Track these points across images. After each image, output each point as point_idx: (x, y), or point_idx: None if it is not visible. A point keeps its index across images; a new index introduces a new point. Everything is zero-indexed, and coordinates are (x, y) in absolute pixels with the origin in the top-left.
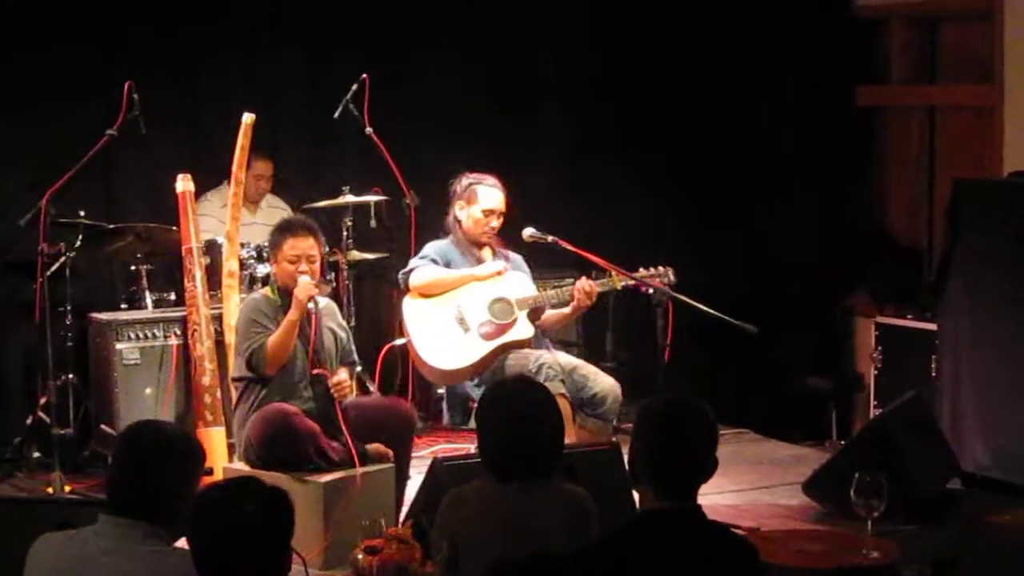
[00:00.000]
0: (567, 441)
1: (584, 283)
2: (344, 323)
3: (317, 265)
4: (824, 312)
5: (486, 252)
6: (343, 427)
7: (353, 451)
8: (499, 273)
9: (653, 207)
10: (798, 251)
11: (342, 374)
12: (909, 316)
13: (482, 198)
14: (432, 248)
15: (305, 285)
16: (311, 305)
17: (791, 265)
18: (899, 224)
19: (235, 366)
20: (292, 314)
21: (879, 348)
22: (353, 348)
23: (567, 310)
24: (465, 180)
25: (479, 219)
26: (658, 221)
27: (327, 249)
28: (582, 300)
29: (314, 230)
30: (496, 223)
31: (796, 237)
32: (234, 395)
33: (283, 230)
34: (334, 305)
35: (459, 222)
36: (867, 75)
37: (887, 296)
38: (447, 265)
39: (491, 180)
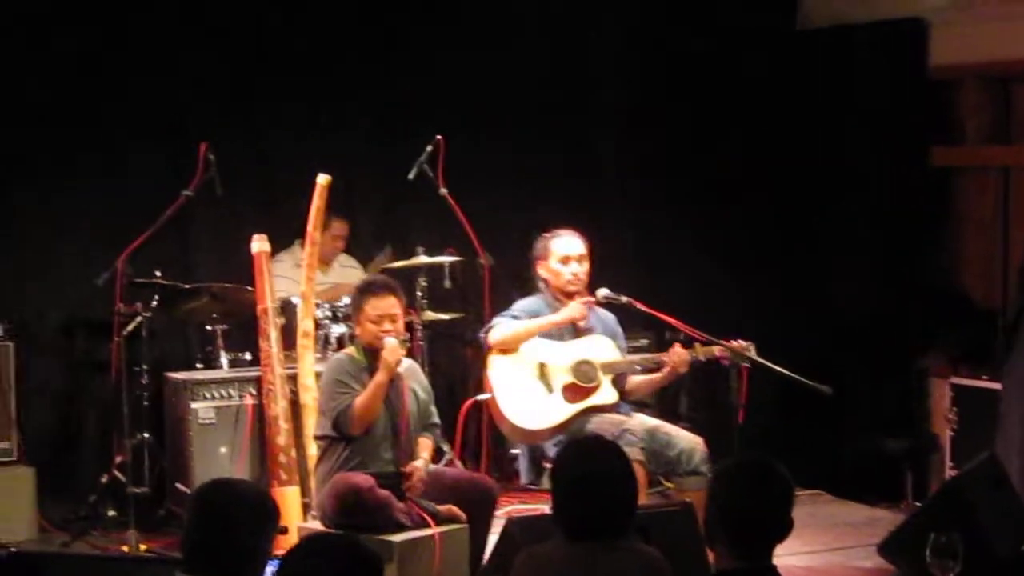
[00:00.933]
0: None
1: (680, 351)
2: (427, 384)
3: (401, 324)
4: (899, 373)
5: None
6: (419, 512)
7: (425, 516)
8: (580, 318)
9: (725, 269)
10: (872, 311)
11: (418, 462)
12: (984, 376)
13: (556, 248)
14: (520, 304)
15: (393, 348)
16: (398, 367)
17: (865, 326)
18: (973, 284)
19: (318, 424)
20: (380, 376)
21: (954, 408)
22: (434, 410)
23: (658, 376)
24: (541, 238)
25: (558, 270)
26: (730, 283)
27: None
28: (678, 366)
29: (395, 289)
30: (579, 268)
31: (870, 297)
32: (315, 453)
33: (363, 291)
34: (416, 366)
35: (544, 281)
36: (942, 136)
37: (962, 356)
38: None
39: (566, 231)
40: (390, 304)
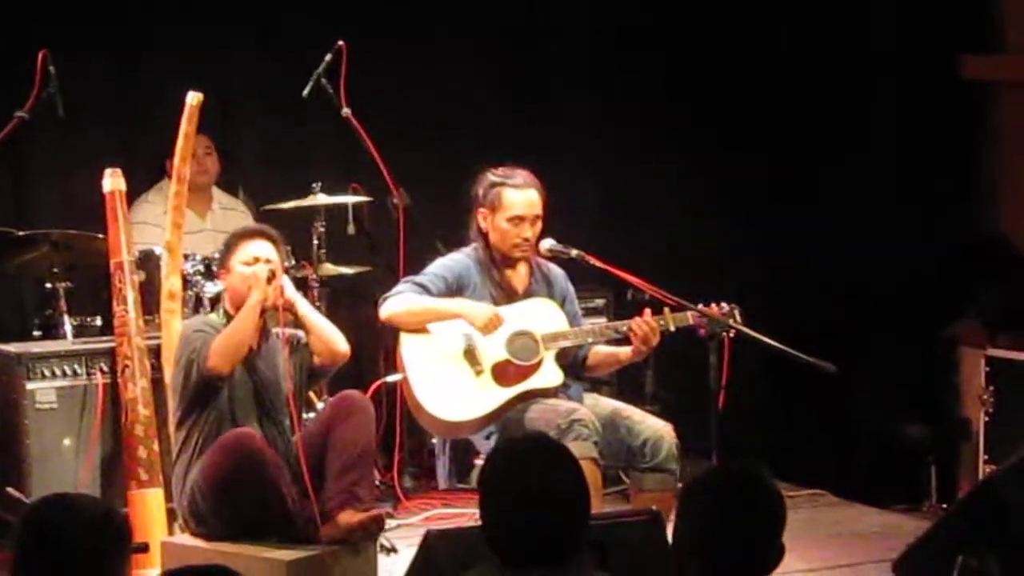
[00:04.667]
0: (595, 511)
1: (647, 320)
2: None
3: (279, 273)
4: (921, 343)
5: (519, 271)
6: (304, 471)
7: (314, 509)
8: (493, 323)
9: (707, 216)
10: (888, 268)
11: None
12: None
13: (509, 202)
14: (438, 265)
15: (263, 269)
16: (273, 290)
17: (880, 286)
18: (1018, 230)
19: (174, 407)
20: (252, 296)
21: (990, 388)
22: None
23: (623, 351)
24: (487, 179)
25: (507, 230)
26: (713, 234)
27: (293, 262)
28: (647, 338)
29: (274, 237)
30: (530, 232)
31: (885, 249)
32: (174, 449)
33: (236, 236)
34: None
35: (484, 235)
36: (976, 43)
37: (1001, 323)
38: (458, 290)
39: (520, 177)
40: (267, 248)
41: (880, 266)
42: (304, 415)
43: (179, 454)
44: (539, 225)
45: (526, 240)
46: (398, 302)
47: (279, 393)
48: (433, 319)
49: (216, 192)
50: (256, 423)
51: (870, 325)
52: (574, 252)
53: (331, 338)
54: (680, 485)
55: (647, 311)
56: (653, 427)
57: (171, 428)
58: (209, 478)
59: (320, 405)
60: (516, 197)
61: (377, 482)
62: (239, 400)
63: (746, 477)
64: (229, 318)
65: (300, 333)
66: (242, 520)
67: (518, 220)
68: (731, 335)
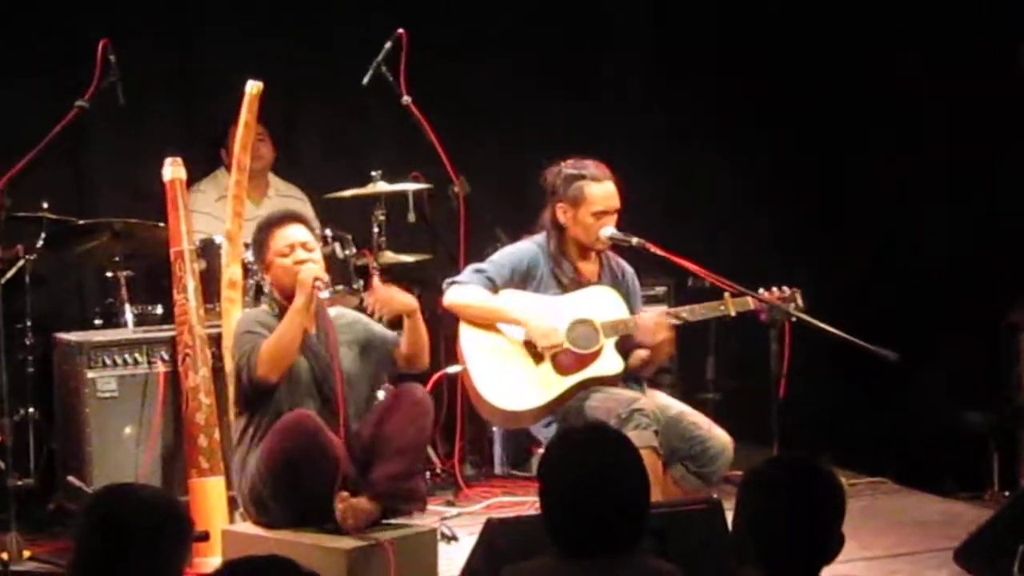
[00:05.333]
0: (655, 500)
1: (656, 317)
2: (379, 330)
3: (318, 254)
4: (983, 330)
5: (591, 263)
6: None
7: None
8: (553, 347)
9: (766, 203)
10: (948, 253)
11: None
12: None
13: (593, 197)
14: (503, 257)
15: (309, 268)
16: (320, 290)
17: (940, 271)
18: None
19: (233, 396)
20: (297, 300)
21: None
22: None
23: (643, 354)
24: (565, 172)
25: (591, 224)
26: (772, 221)
27: (353, 251)
28: (657, 339)
29: (300, 217)
30: (612, 224)
31: (944, 235)
32: (235, 437)
33: (262, 228)
34: (362, 317)
35: (559, 228)
36: None
37: None
38: (526, 279)
39: (597, 169)
40: (299, 231)
41: (941, 252)
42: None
43: (239, 442)
44: (617, 218)
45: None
46: (464, 293)
47: (334, 377)
48: (495, 319)
49: (272, 178)
50: (314, 407)
51: (931, 311)
52: (634, 240)
53: (422, 349)
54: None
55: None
56: (718, 438)
57: (231, 416)
58: (269, 462)
59: (381, 394)
60: (599, 191)
61: (438, 470)
62: (297, 385)
63: (804, 468)
64: (280, 308)
65: (361, 316)
66: (303, 502)
67: (602, 213)
68: (792, 321)
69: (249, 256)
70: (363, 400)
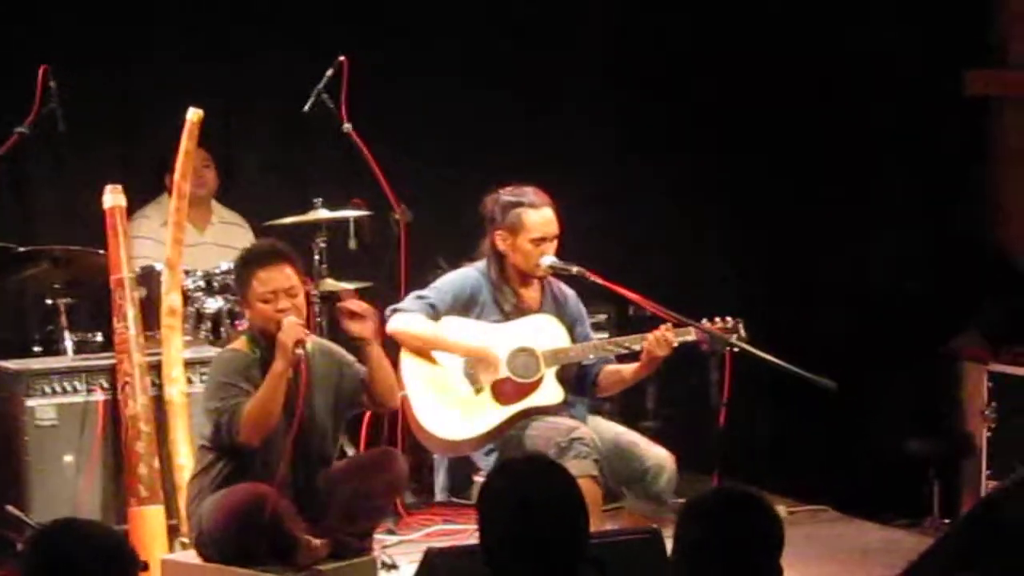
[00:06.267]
0: (595, 529)
1: (664, 332)
2: (351, 364)
3: (300, 299)
4: (924, 357)
5: (532, 290)
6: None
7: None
8: (495, 377)
9: (710, 230)
10: (889, 279)
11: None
12: None
13: (531, 224)
14: (445, 285)
15: (291, 327)
16: (300, 351)
17: (882, 299)
18: (1020, 243)
19: (202, 430)
20: (277, 365)
21: (993, 403)
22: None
23: (629, 368)
24: (503, 199)
25: (530, 251)
26: (716, 248)
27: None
28: (653, 350)
29: (287, 256)
30: (551, 251)
31: (888, 263)
32: (184, 463)
33: (247, 263)
34: (334, 348)
35: (499, 255)
36: (979, 57)
37: (1004, 337)
38: (468, 307)
39: (534, 195)
40: (283, 276)
41: (882, 280)
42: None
43: (199, 473)
44: (556, 243)
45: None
46: (408, 321)
47: (313, 425)
48: (437, 348)
49: (215, 206)
50: (285, 454)
51: (873, 339)
52: (575, 269)
53: (389, 389)
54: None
55: (663, 326)
56: (656, 456)
57: (196, 443)
58: (221, 530)
59: (351, 451)
60: (537, 218)
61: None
62: (272, 432)
63: (741, 499)
64: (258, 347)
65: (336, 348)
66: (249, 561)
67: (540, 240)
68: (734, 351)
69: (189, 283)
70: (332, 442)
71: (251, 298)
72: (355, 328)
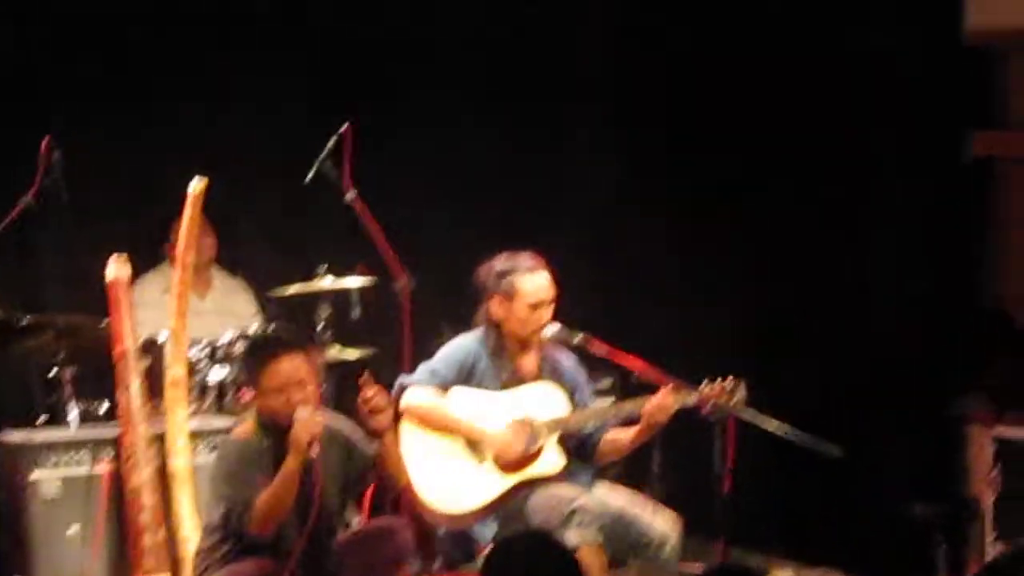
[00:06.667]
0: None
1: (664, 397)
2: (361, 444)
3: (312, 389)
4: (929, 421)
5: (530, 358)
6: None
7: None
8: (508, 459)
9: (713, 292)
10: (896, 343)
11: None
12: None
13: (527, 289)
14: (449, 355)
15: (305, 423)
16: (314, 451)
17: (886, 361)
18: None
19: (210, 510)
20: (291, 462)
21: (999, 466)
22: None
23: (626, 435)
24: (498, 266)
25: (527, 317)
26: (720, 310)
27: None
28: (653, 415)
29: (298, 344)
30: (547, 315)
31: (894, 325)
32: (188, 535)
33: (256, 354)
34: (345, 425)
35: (495, 323)
36: (983, 118)
37: (1010, 400)
38: (468, 376)
39: (530, 261)
40: (295, 366)
41: (887, 342)
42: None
43: (205, 550)
44: (553, 307)
45: (543, 324)
46: (420, 397)
47: (322, 505)
48: (449, 427)
49: (216, 271)
50: (296, 532)
51: (878, 402)
52: (577, 338)
53: (399, 471)
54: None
55: (662, 390)
56: (658, 528)
57: (202, 518)
58: None
59: (356, 519)
60: (532, 283)
61: None
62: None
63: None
64: (268, 435)
65: (344, 423)
66: None
67: (536, 305)
68: (736, 417)
69: (193, 353)
70: (339, 517)
71: (262, 387)
72: (375, 423)
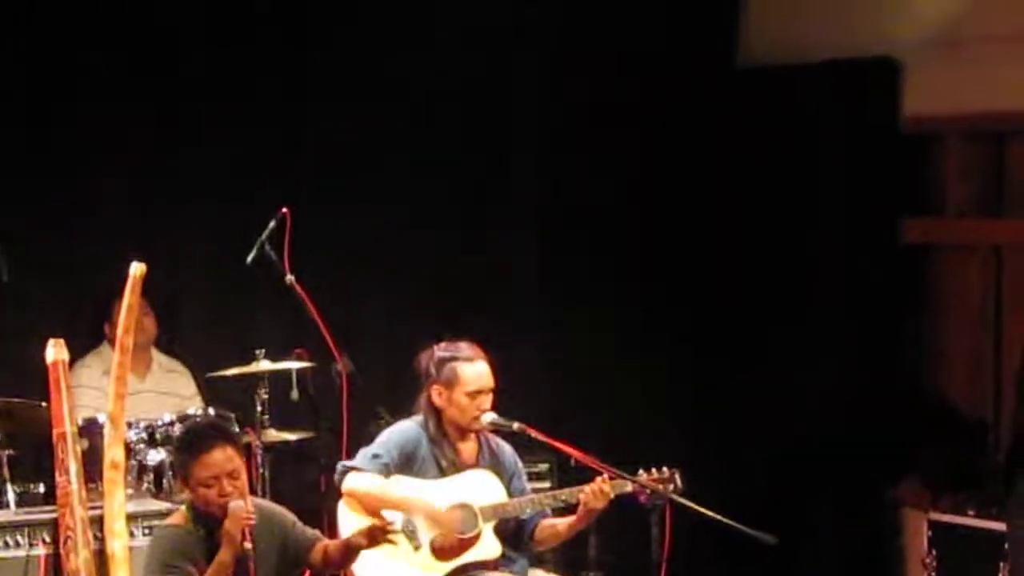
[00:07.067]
0: None
1: (600, 485)
2: (289, 527)
3: (243, 479)
4: (864, 506)
5: (469, 445)
6: None
7: None
8: (453, 535)
9: (647, 379)
10: (830, 428)
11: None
12: (970, 512)
13: (466, 378)
14: (391, 440)
15: (236, 514)
16: (247, 544)
17: (821, 447)
18: (958, 391)
19: None
20: (224, 554)
21: (933, 552)
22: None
23: (564, 522)
24: (438, 354)
25: (466, 405)
26: (655, 397)
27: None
28: (589, 502)
29: (226, 435)
30: (487, 403)
31: (828, 410)
32: None
33: (185, 449)
34: (275, 511)
35: (435, 409)
36: (918, 205)
37: (943, 484)
38: (409, 460)
39: (469, 350)
40: (225, 458)
41: (821, 428)
42: None
43: None
44: (492, 395)
45: (483, 412)
46: (364, 481)
47: None
48: (393, 507)
49: (155, 353)
50: None
51: (812, 488)
52: (515, 425)
53: (347, 564)
54: None
55: (599, 478)
56: None
57: None
58: None
59: None
60: (472, 371)
61: None
62: None
63: None
64: (200, 524)
65: (278, 510)
66: None
67: (476, 394)
68: (669, 500)
69: (131, 436)
70: None
71: (192, 482)
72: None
